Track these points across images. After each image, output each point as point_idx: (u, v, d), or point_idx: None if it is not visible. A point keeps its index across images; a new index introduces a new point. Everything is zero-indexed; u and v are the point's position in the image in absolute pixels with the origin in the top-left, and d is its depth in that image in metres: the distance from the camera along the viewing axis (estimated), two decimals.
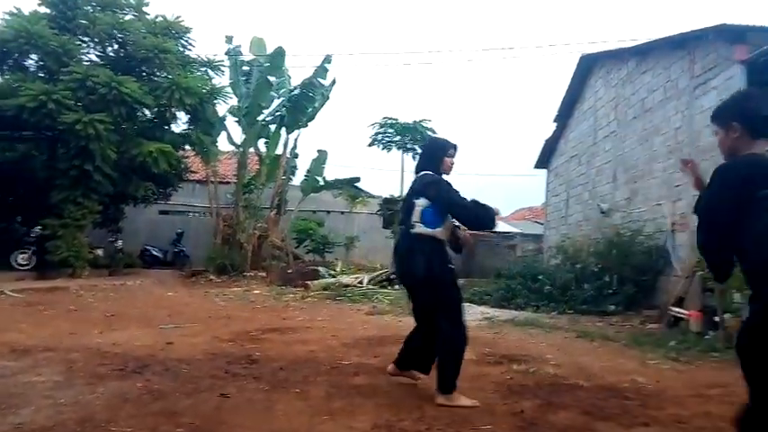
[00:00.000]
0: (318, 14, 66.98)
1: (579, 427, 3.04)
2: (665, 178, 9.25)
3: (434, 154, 3.69)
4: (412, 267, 3.53)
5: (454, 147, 3.70)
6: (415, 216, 3.53)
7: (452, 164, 3.68)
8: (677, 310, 7.25)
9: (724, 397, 3.77)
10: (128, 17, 13.56)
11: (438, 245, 3.53)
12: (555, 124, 14.73)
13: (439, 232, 3.52)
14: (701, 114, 8.29)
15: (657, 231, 9.27)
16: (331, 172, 16.54)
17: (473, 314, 8.57)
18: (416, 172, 3.73)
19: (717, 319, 6.12)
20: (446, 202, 3.50)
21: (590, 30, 68.04)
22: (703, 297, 6.96)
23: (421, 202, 3.52)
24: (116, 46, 13.25)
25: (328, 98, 15.64)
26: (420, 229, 3.51)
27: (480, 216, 3.52)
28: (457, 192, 3.52)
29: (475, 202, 3.52)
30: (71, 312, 7.26)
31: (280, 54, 14.66)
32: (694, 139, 8.45)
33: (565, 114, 14.18)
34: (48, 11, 12.70)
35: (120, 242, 15.54)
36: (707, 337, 6.17)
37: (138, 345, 5.03)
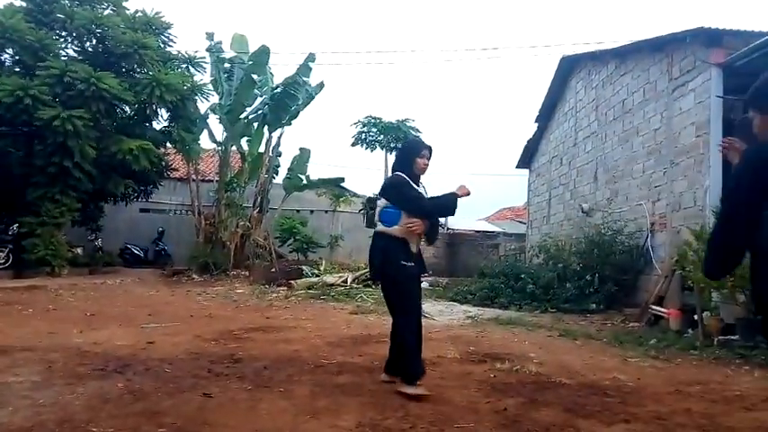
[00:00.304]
0: (302, 11, 66.70)
1: (561, 424, 3.06)
2: (644, 179, 9.39)
3: (407, 155, 3.85)
4: (372, 262, 3.83)
5: (428, 148, 3.85)
6: (377, 215, 3.82)
7: (425, 165, 3.81)
8: (657, 308, 7.36)
9: (703, 394, 3.84)
10: (106, 12, 13.38)
11: (394, 242, 3.69)
12: (536, 125, 14.86)
13: (395, 230, 3.68)
14: (680, 116, 8.43)
15: (638, 231, 9.40)
16: (315, 171, 16.48)
17: (456, 313, 8.62)
18: (392, 172, 3.88)
19: (696, 317, 6.23)
20: (402, 202, 3.69)
21: (571, 32, 68.79)
22: (682, 296, 7.09)
23: (381, 203, 3.79)
24: (94, 41, 13.06)
25: (313, 98, 15.58)
26: (379, 227, 3.77)
27: (439, 206, 3.80)
28: (413, 191, 3.71)
29: (431, 199, 3.77)
30: (50, 312, 7.14)
31: (264, 52, 14.56)
32: (673, 140, 8.58)
33: (546, 115, 14.30)
34: (24, 4, 12.48)
35: (99, 240, 15.31)
36: (686, 335, 6.28)
37: (119, 344, 4.97)
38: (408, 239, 3.71)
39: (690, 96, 8.21)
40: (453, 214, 3.88)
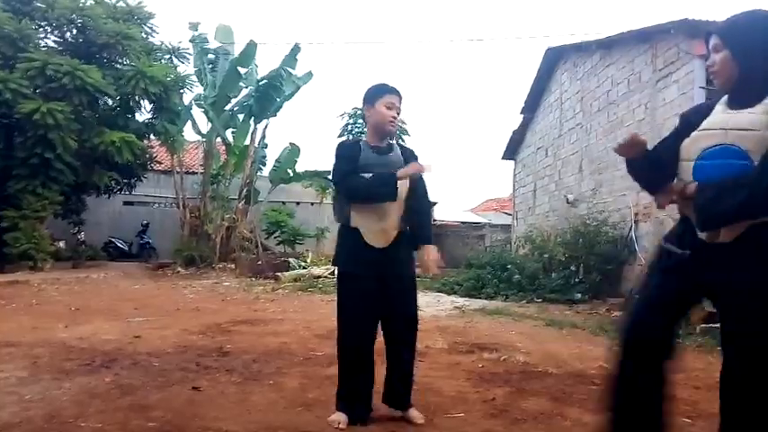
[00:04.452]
0: (287, 1, 66.05)
1: (549, 412, 3.10)
2: None
3: None
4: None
5: None
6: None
7: None
8: None
9: (687, 381, 3.90)
10: (87, 1, 13.15)
11: None
12: (522, 116, 14.92)
13: None
14: (664, 107, 8.52)
15: (622, 221, 9.51)
16: (301, 162, 16.43)
17: (443, 303, 8.67)
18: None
19: None
20: None
21: (556, 22, 68.99)
22: None
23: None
24: (75, 31, 12.84)
25: (300, 88, 15.49)
26: None
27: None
28: None
29: None
30: (33, 306, 7.06)
31: (251, 47, 14.48)
32: (657, 131, 8.66)
33: (531, 106, 14.37)
34: None
35: (82, 234, 15.15)
36: None
37: (105, 339, 4.92)
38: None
39: (673, 87, 8.29)
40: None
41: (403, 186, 2.84)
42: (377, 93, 2.90)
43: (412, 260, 2.98)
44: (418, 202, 2.95)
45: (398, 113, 2.93)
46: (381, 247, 2.82)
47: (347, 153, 2.87)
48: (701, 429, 2.94)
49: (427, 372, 3.98)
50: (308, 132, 52.05)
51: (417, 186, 2.92)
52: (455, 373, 4.01)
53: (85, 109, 11.98)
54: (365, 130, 3.14)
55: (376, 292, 2.81)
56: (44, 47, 12.50)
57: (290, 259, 13.44)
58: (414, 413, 2.90)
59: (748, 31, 1.78)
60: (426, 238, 2.96)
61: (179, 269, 13.31)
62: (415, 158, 2.97)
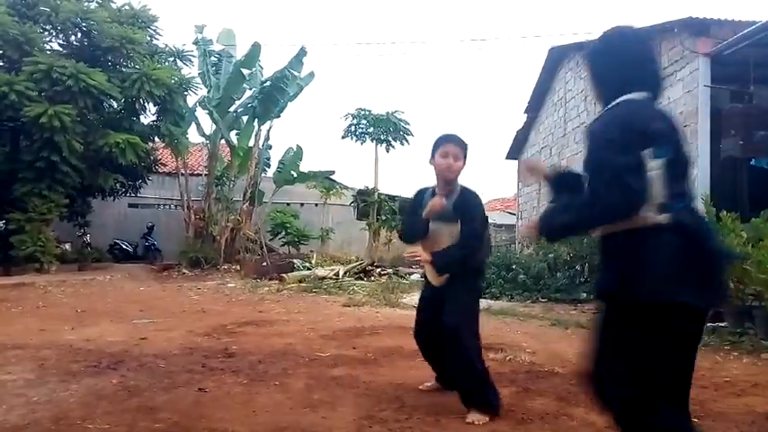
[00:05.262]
0: (292, 3, 66.18)
1: (555, 412, 3.10)
2: None
3: None
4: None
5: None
6: None
7: None
8: None
9: (693, 380, 3.87)
10: (92, 5, 13.22)
11: None
12: (525, 115, 14.89)
13: None
14: (668, 106, 8.47)
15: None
16: (305, 163, 16.44)
17: None
18: None
19: None
20: None
21: (560, 22, 68.91)
22: None
23: None
24: (80, 35, 12.90)
25: (303, 89, 15.50)
26: None
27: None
28: None
29: None
30: (40, 309, 7.09)
31: (255, 49, 14.50)
32: None
33: (535, 106, 14.34)
34: None
35: (88, 236, 15.18)
36: None
37: (112, 340, 4.94)
38: None
39: (678, 86, 8.26)
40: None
41: (453, 230, 3.10)
42: (434, 145, 3.21)
43: (473, 288, 3.25)
44: (462, 239, 3.11)
45: (456, 158, 3.15)
46: (436, 284, 3.18)
47: (410, 205, 3.39)
48: (709, 429, 2.93)
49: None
50: (312, 133, 52.15)
51: (464, 230, 3.10)
52: None
53: (90, 112, 12.03)
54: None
55: (433, 315, 3.17)
56: (49, 50, 12.56)
57: (295, 260, 13.44)
58: (470, 415, 2.98)
59: (592, 52, 1.94)
60: (437, 256, 3.11)
61: (184, 271, 13.34)
62: (475, 202, 3.20)
